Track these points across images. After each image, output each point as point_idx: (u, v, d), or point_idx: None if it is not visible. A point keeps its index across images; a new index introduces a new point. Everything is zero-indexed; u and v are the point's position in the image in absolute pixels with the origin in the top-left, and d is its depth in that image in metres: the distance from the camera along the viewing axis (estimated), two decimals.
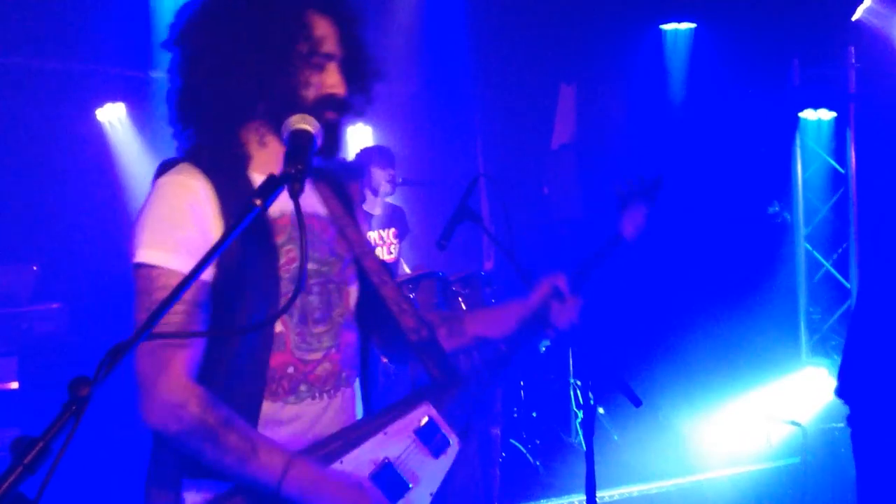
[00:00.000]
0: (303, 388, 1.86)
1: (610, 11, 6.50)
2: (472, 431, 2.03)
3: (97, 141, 6.20)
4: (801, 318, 6.79)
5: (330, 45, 1.85)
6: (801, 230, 6.85)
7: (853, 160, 6.72)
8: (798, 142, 6.82)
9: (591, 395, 4.24)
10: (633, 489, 4.79)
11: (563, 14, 6.55)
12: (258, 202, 1.39)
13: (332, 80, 1.84)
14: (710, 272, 6.64)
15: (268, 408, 1.80)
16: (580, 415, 5.67)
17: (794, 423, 5.25)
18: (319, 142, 1.60)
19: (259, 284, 1.78)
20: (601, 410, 5.70)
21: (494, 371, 2.04)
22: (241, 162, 1.85)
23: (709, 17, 6.78)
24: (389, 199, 5.43)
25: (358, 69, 1.92)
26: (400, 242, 5.39)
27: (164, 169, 1.84)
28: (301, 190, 1.46)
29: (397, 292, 2.05)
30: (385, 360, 3.78)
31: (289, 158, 1.50)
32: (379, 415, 1.93)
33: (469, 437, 2.00)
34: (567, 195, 7.39)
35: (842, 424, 5.60)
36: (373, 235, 5.24)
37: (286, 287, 1.80)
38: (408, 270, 5.37)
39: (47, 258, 5.87)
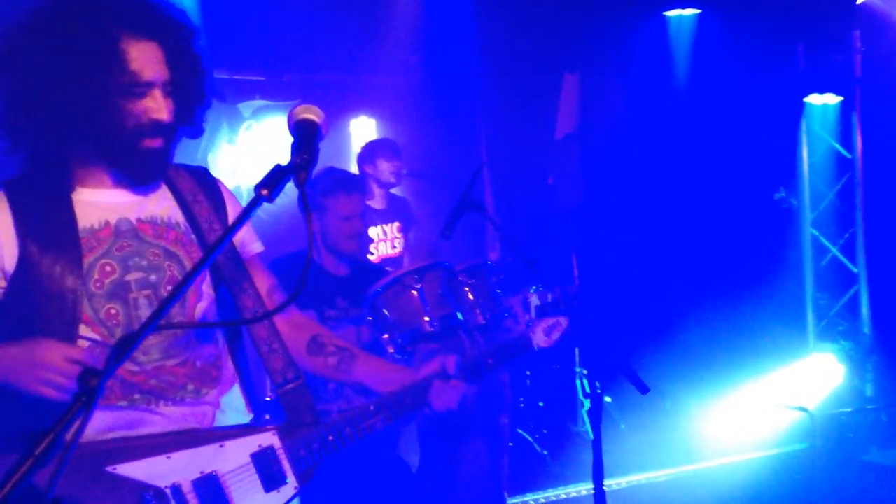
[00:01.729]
0: (137, 396, 1.86)
1: None
2: (313, 478, 1.96)
3: None
4: (807, 304, 6.78)
5: (150, 71, 1.81)
6: (808, 215, 6.84)
7: (859, 145, 6.69)
8: (804, 127, 6.79)
9: (597, 383, 4.24)
10: (641, 477, 4.79)
11: (566, 2, 6.52)
12: (265, 192, 1.40)
13: (151, 106, 1.82)
14: (716, 259, 6.62)
15: (99, 412, 1.79)
16: (587, 404, 5.65)
17: (801, 409, 5.25)
18: (325, 131, 1.60)
19: (57, 301, 1.80)
20: (608, 399, 5.70)
21: (353, 425, 1.99)
22: (62, 182, 1.86)
23: (713, 3, 6.73)
24: (394, 191, 5.42)
25: (183, 91, 1.89)
26: (405, 235, 5.38)
27: None
28: (308, 178, 1.46)
29: (270, 331, 2.01)
30: (391, 349, 3.78)
31: (295, 148, 1.50)
32: (225, 429, 1.91)
33: (309, 483, 1.95)
34: (571, 185, 7.38)
35: (849, 409, 5.61)
36: (376, 231, 5.22)
37: (101, 303, 1.83)
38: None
39: None
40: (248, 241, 2.12)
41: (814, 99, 6.78)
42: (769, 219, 6.85)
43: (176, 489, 1.80)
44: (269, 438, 1.91)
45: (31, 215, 1.81)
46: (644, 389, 3.01)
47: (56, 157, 1.85)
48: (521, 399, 5.44)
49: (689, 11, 6.92)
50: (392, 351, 3.51)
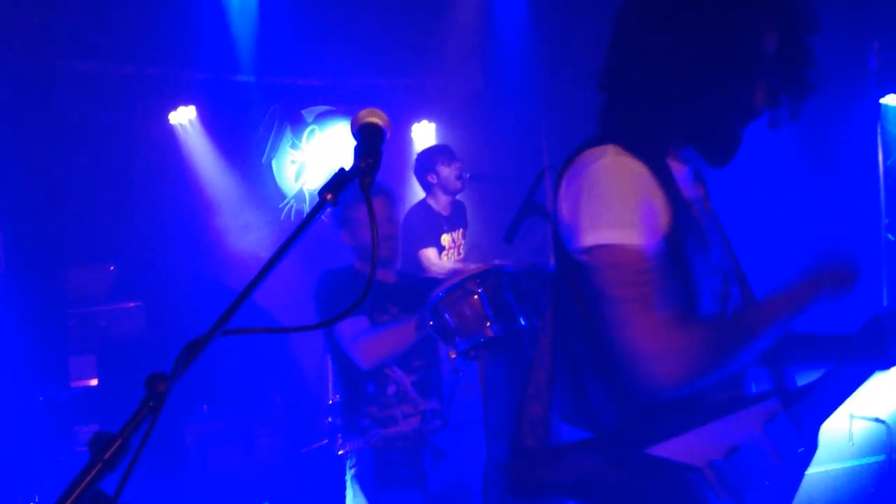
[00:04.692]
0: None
1: None
2: (816, 441, 1.87)
3: (170, 143, 6.34)
4: None
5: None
6: (884, 220, 6.60)
7: None
8: (879, 128, 6.57)
9: None
10: None
11: None
12: (329, 196, 1.39)
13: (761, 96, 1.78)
14: (787, 265, 6.44)
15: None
16: None
17: (877, 420, 5.07)
18: (388, 134, 1.59)
19: (699, 274, 1.74)
20: None
21: (845, 384, 1.91)
22: (664, 149, 1.79)
23: None
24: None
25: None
26: (465, 240, 5.35)
27: (588, 148, 1.77)
28: (372, 183, 1.45)
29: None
30: (453, 355, 3.75)
31: (359, 152, 1.49)
32: (722, 403, 1.79)
33: (815, 446, 1.86)
34: None
35: None
36: (447, 238, 5.20)
37: (712, 280, 1.80)
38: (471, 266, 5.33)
39: (124, 258, 6.04)
40: None
41: (890, 99, 6.55)
42: (843, 224, 6.64)
43: (712, 465, 1.70)
44: (772, 405, 1.81)
45: (661, 177, 1.72)
46: None
47: (668, 124, 1.76)
48: None
49: None
50: (454, 357, 3.49)
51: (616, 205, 1.66)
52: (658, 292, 1.63)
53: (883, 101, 6.55)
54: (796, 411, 1.84)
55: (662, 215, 1.69)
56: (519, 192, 4.21)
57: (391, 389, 3.37)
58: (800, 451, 1.82)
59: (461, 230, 5.27)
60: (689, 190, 1.83)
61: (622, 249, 1.63)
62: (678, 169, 1.81)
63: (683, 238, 1.71)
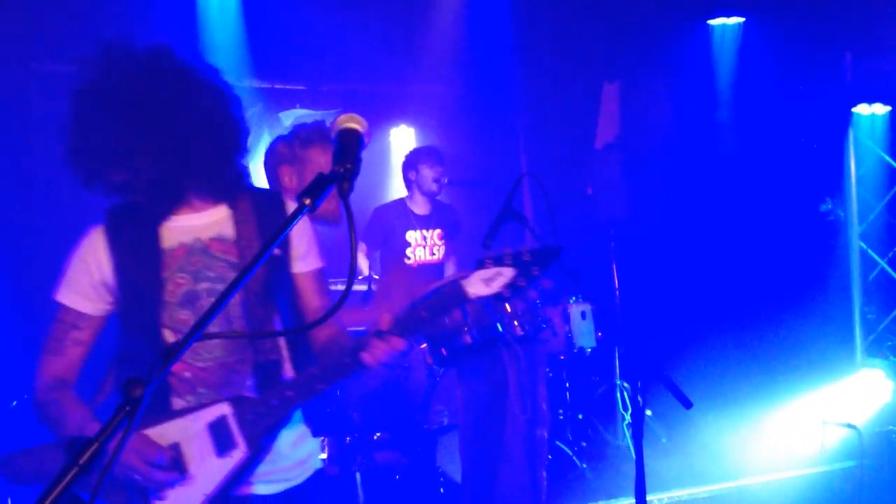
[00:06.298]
0: (201, 390, 2.09)
1: (655, 7, 6.42)
2: (262, 447, 2.05)
3: None
4: (855, 319, 6.63)
5: None
6: (855, 228, 6.69)
7: None
8: (851, 137, 6.67)
9: (639, 397, 4.18)
10: (683, 493, 4.71)
11: (606, 11, 6.48)
12: (307, 201, 1.39)
13: None
14: (761, 271, 6.51)
15: (177, 403, 2.09)
16: (627, 417, 5.60)
17: (849, 426, 5.13)
18: (368, 140, 1.59)
19: (140, 311, 2.08)
20: (649, 413, 5.62)
21: (296, 388, 2.04)
22: (158, 211, 2.14)
23: (757, 11, 6.65)
24: (440, 198, 5.43)
25: None
26: (447, 243, 5.37)
27: None
28: (350, 189, 1.45)
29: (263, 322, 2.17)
30: (430, 360, 3.76)
31: (337, 158, 1.49)
32: (190, 407, 2.08)
33: (258, 451, 2.03)
34: (611, 195, 7.31)
35: None
36: (415, 235, 5.24)
37: (174, 311, 2.08)
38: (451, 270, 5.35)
39: None
40: (301, 256, 2.23)
41: (862, 109, 6.65)
42: (816, 231, 6.72)
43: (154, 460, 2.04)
44: (223, 408, 2.04)
45: (124, 239, 2.13)
46: (688, 404, 2.95)
47: (157, 191, 2.10)
48: (561, 411, 5.39)
49: (734, 20, 6.84)
50: (431, 362, 3.49)
51: (66, 272, 2.15)
52: (55, 341, 2.14)
53: (855, 110, 6.65)
54: (243, 412, 2.04)
55: (105, 271, 2.11)
56: (496, 197, 4.22)
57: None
58: (238, 447, 2.02)
59: (438, 230, 5.30)
60: (183, 237, 2.14)
61: (59, 305, 2.14)
62: (178, 220, 2.15)
63: (127, 285, 2.10)
